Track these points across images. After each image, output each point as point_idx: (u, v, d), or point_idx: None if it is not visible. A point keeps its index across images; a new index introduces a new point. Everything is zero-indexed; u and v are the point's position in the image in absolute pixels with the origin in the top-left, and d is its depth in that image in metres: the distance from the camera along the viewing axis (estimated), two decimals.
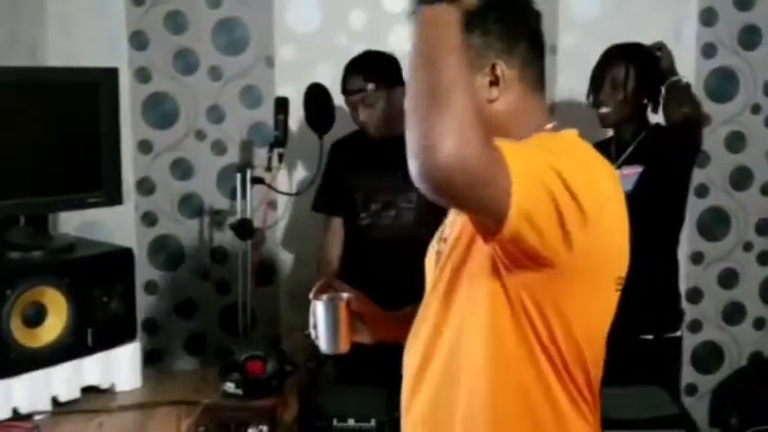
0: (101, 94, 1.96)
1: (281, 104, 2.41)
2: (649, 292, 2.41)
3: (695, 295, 3.09)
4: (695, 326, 3.11)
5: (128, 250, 2.04)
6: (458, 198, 1.04)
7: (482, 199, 1.02)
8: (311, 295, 1.42)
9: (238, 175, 2.37)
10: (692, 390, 3.13)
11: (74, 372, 1.91)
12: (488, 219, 1.05)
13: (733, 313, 3.12)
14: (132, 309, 2.02)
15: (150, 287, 2.97)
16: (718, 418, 3.04)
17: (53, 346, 1.86)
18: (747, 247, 3.09)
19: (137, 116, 2.89)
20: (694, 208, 3.03)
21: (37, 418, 1.83)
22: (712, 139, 3.00)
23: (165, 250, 2.97)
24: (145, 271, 2.95)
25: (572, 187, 1.06)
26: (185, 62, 2.87)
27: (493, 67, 1.20)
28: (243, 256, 2.42)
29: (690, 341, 3.11)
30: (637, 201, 2.30)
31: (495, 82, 1.21)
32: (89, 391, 1.97)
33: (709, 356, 3.13)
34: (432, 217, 1.93)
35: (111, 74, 1.97)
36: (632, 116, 2.45)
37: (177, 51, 2.87)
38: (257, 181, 2.38)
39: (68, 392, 1.91)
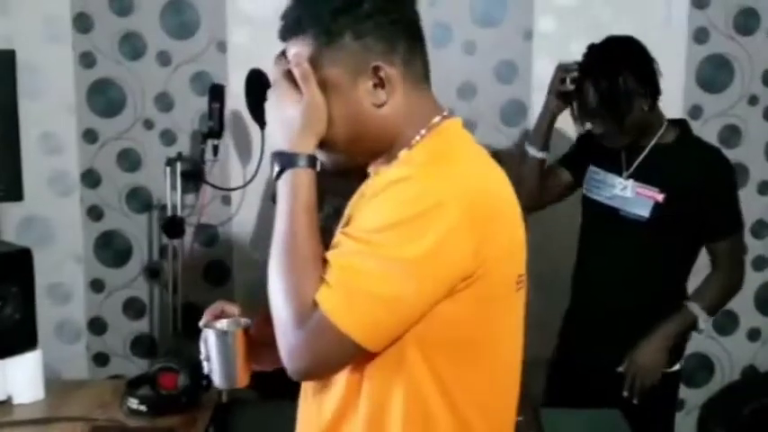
0: None
1: (217, 93, 2.23)
2: (648, 323, 2.09)
3: None
4: None
5: (26, 251, 1.86)
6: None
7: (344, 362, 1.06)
8: (202, 322, 1.24)
9: (168, 169, 2.19)
10: (679, 404, 2.89)
11: None
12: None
13: (725, 323, 2.88)
14: (32, 315, 1.85)
15: (96, 285, 2.82)
16: None
17: None
18: None
19: (81, 103, 2.73)
20: None
21: None
22: (704, 133, 2.75)
23: (112, 246, 2.80)
24: (91, 268, 2.80)
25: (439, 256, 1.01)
26: (132, 46, 2.70)
27: (375, 70, 1.11)
28: (190, 254, 2.25)
29: None
30: (651, 229, 2.04)
31: (379, 84, 1.11)
32: None
33: (698, 369, 2.89)
34: None
35: (7, 57, 1.79)
36: (640, 127, 2.03)
37: (123, 35, 2.69)
38: (188, 175, 2.19)
39: None
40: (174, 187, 2.19)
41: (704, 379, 2.89)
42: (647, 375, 2.03)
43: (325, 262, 1.05)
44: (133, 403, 1.81)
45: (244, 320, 1.24)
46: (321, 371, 1.08)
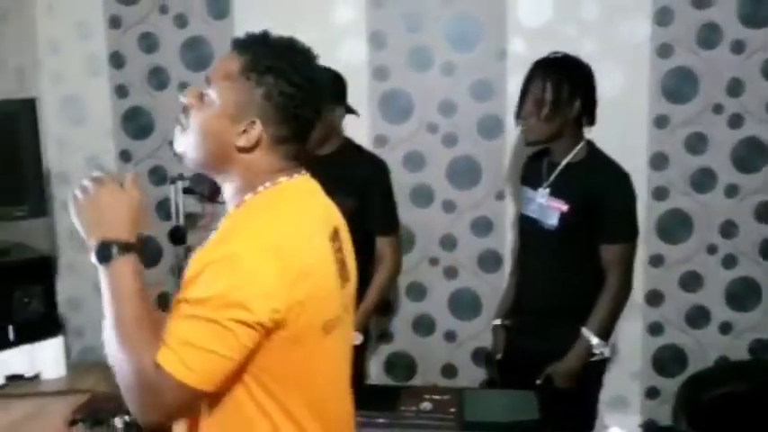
0: (21, 121, 2.25)
1: None
2: (566, 323, 2.34)
3: (655, 298, 3.07)
4: (656, 329, 3.09)
5: (48, 259, 2.32)
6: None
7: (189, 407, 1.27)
8: None
9: (172, 187, 2.62)
10: (653, 393, 3.12)
11: None
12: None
13: (697, 317, 3.07)
14: (53, 309, 2.30)
15: None
16: (676, 423, 3.01)
17: None
18: (711, 249, 3.02)
19: (117, 128, 3.20)
20: (652, 210, 3.01)
21: None
22: (671, 141, 2.96)
23: (145, 250, 3.26)
24: None
25: (254, 306, 1.21)
26: (158, 79, 3.15)
27: (252, 123, 1.31)
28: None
29: (650, 344, 3.10)
30: (562, 237, 2.31)
31: (246, 133, 1.31)
32: (16, 378, 2.28)
33: (671, 360, 3.10)
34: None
35: (30, 104, 2.26)
36: (559, 134, 2.31)
37: (151, 69, 3.15)
38: (188, 191, 2.61)
39: None
40: (177, 201, 2.62)
41: (679, 369, 3.10)
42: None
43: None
44: None
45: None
46: (171, 419, 1.31)
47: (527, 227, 2.46)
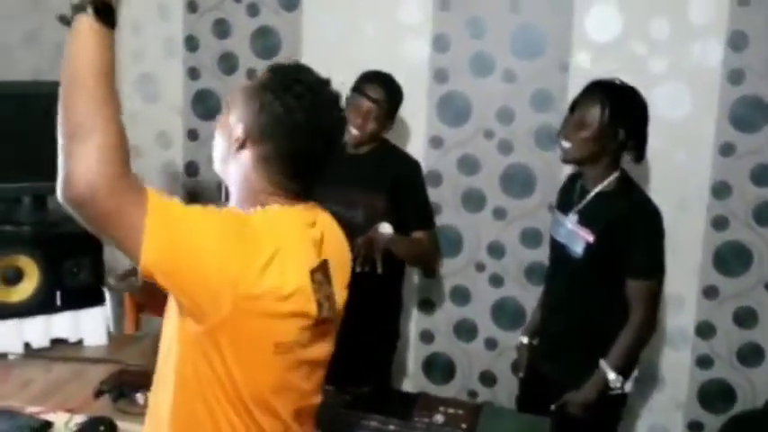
0: None
1: None
2: (584, 352, 2.33)
3: (706, 330, 2.97)
4: (705, 362, 2.99)
5: None
6: (95, 230, 1.17)
7: (115, 238, 1.17)
8: (109, 282, 1.66)
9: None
10: (696, 427, 3.03)
11: (45, 325, 2.37)
12: (130, 258, 1.20)
13: (749, 354, 2.95)
14: (100, 280, 2.41)
15: None
16: None
17: (26, 302, 2.32)
18: None
19: (187, 108, 3.32)
20: (710, 240, 2.91)
21: (10, 357, 2.32)
22: (735, 170, 2.85)
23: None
24: None
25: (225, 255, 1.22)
26: (228, 64, 3.24)
27: (243, 138, 1.35)
28: None
29: (698, 376, 3.01)
30: (586, 266, 2.28)
31: (238, 140, 1.36)
32: (61, 342, 2.42)
33: (718, 395, 3.00)
34: None
35: None
36: (594, 159, 2.28)
37: (222, 54, 3.25)
38: None
39: (39, 340, 2.37)
40: None
41: (725, 407, 2.99)
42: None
43: None
44: None
45: (136, 284, 1.61)
46: (91, 224, 1.16)
47: (555, 251, 2.44)
